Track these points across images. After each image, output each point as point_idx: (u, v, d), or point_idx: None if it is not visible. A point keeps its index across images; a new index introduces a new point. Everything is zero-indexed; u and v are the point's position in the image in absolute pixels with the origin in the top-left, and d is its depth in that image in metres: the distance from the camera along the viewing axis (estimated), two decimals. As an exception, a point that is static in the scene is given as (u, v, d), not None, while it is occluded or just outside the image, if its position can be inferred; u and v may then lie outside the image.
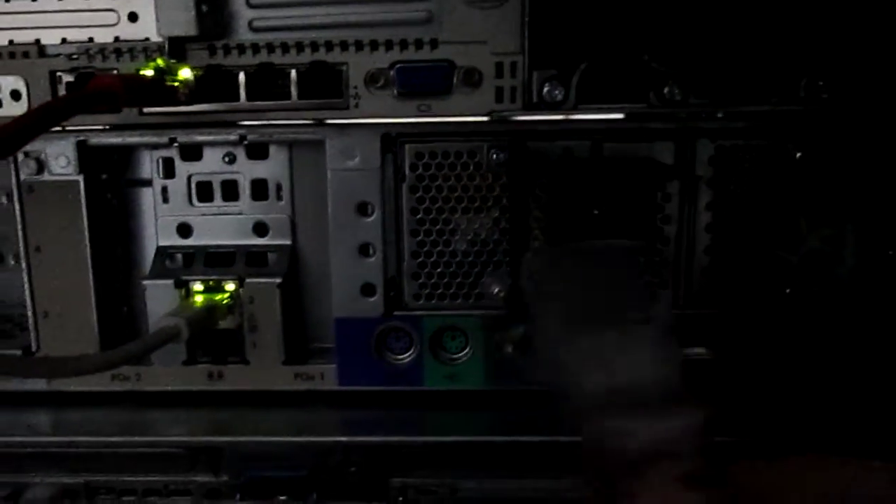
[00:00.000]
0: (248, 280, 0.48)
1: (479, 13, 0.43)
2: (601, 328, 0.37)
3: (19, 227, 0.48)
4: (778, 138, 0.45)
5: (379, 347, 0.49)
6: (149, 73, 0.43)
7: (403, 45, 0.44)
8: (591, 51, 0.43)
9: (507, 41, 0.43)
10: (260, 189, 0.50)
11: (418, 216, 0.47)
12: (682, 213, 0.46)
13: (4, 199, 0.52)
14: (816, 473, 0.35)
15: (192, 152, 0.49)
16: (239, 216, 0.50)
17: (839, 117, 0.44)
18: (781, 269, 0.46)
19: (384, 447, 0.46)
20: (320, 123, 0.45)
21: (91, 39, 0.45)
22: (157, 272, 0.49)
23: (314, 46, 0.44)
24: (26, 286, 0.49)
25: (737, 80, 0.43)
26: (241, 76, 0.45)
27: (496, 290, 0.47)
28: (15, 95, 0.45)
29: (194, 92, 0.45)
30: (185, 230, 0.50)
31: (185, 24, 0.43)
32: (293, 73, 0.45)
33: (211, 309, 0.47)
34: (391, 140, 0.46)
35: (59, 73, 0.45)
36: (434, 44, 0.44)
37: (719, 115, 0.44)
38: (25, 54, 0.45)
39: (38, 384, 0.50)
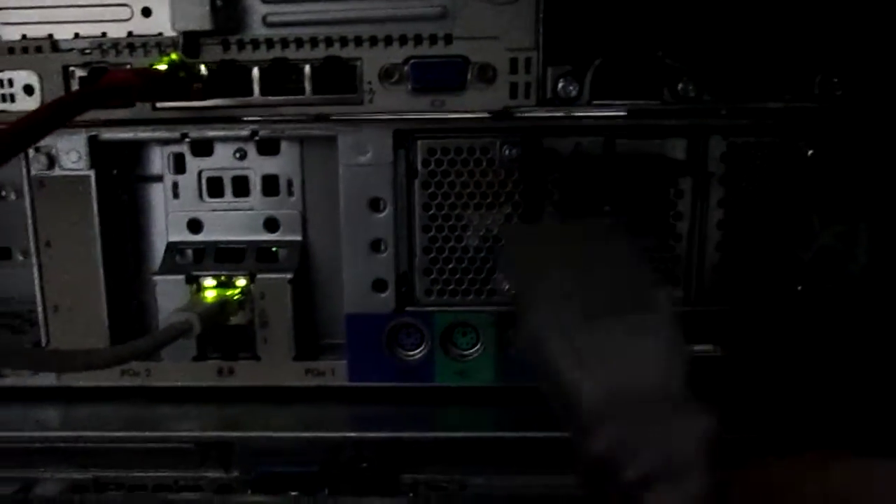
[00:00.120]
0: (259, 276, 0.48)
1: (494, 9, 0.43)
2: (594, 321, 0.33)
3: (30, 221, 0.48)
4: (790, 135, 0.45)
5: (390, 343, 0.49)
6: (162, 67, 0.43)
7: (418, 40, 0.44)
8: (606, 47, 0.43)
9: (521, 37, 0.44)
10: (271, 185, 0.50)
11: (430, 212, 0.47)
12: (694, 210, 0.46)
13: (13, 196, 0.52)
14: (821, 472, 0.35)
15: (203, 148, 0.49)
16: (250, 212, 0.50)
17: (853, 114, 0.44)
18: (793, 266, 0.46)
19: (395, 443, 0.46)
20: (333, 119, 0.45)
21: (104, 34, 0.45)
22: (168, 267, 0.49)
23: (328, 42, 0.44)
24: (36, 281, 0.48)
25: (751, 76, 0.43)
26: (255, 71, 0.45)
27: (507, 286, 0.47)
28: (28, 90, 0.45)
29: (207, 87, 0.45)
30: (195, 226, 0.50)
31: (199, 18, 0.43)
32: (307, 68, 0.45)
33: (222, 304, 0.47)
34: (403, 136, 0.46)
35: (72, 68, 0.45)
36: (448, 39, 0.44)
37: (732, 112, 0.44)
38: (38, 49, 0.45)
39: (48, 380, 0.50)
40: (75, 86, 0.45)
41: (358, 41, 0.44)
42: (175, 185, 0.50)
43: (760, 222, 0.46)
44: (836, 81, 0.43)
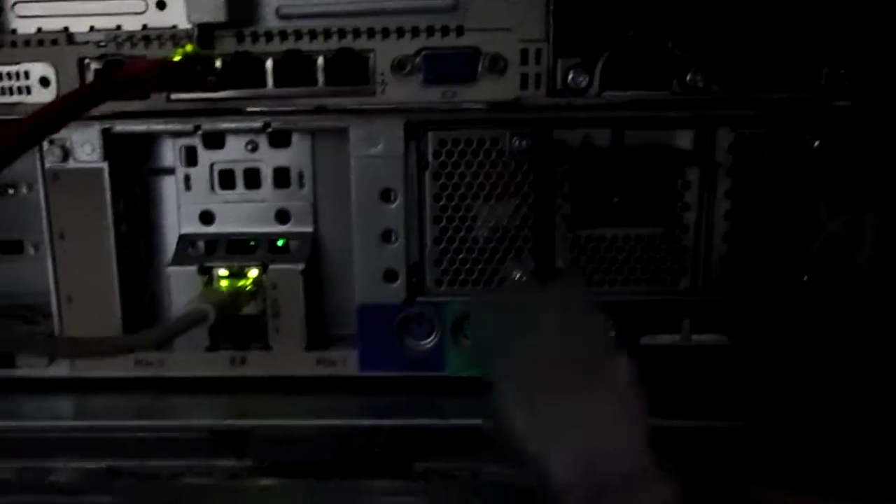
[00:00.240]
0: (270, 266, 0.48)
1: (505, 1, 0.44)
2: (557, 394, 0.34)
3: (44, 213, 0.48)
4: (797, 126, 0.45)
5: (400, 333, 0.49)
6: (178, 58, 0.44)
7: (430, 31, 0.44)
8: (615, 38, 0.44)
9: (532, 28, 0.44)
10: (282, 177, 0.50)
11: (441, 203, 0.47)
12: (701, 201, 0.47)
13: (24, 190, 0.52)
14: None
15: (215, 140, 0.49)
16: (261, 204, 0.50)
17: (859, 105, 0.44)
18: (800, 256, 0.47)
19: (407, 430, 0.46)
20: (345, 110, 0.46)
21: (119, 27, 0.45)
22: (181, 259, 0.49)
23: (342, 33, 0.45)
24: (50, 272, 0.49)
25: (759, 68, 0.44)
26: (269, 63, 0.45)
27: (518, 275, 0.47)
28: (44, 82, 0.46)
29: (221, 79, 0.45)
30: (207, 217, 0.50)
31: (214, 10, 0.43)
32: (320, 59, 0.45)
33: (234, 295, 0.47)
34: (414, 127, 0.46)
35: (87, 61, 0.46)
36: (460, 31, 0.44)
37: (740, 103, 0.45)
38: (54, 41, 0.45)
39: (62, 371, 0.50)
40: (90, 78, 0.46)
41: (371, 33, 0.45)
42: (187, 178, 0.50)
43: (767, 213, 0.47)
44: (843, 73, 0.44)
